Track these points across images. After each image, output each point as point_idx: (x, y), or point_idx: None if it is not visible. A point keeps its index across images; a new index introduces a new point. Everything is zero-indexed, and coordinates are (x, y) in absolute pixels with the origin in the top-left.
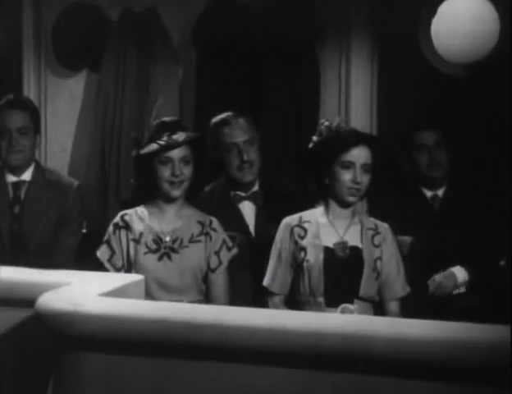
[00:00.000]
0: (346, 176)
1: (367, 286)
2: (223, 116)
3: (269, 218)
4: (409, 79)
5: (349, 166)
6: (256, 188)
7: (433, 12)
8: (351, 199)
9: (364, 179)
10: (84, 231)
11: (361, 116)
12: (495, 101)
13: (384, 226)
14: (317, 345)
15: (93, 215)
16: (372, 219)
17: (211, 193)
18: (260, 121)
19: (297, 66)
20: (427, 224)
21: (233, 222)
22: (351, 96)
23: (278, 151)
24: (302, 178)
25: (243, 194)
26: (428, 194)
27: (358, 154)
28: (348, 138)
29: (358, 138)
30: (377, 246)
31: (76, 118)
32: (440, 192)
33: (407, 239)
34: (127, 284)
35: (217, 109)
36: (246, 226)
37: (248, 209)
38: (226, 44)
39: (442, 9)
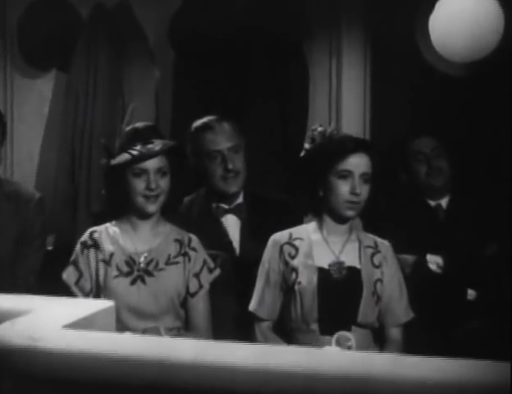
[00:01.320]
0: (343, 188)
1: (366, 312)
2: (205, 120)
3: (255, 234)
4: (405, 80)
5: (346, 175)
6: (240, 200)
7: (431, 8)
8: (349, 213)
9: (364, 190)
10: (50, 248)
11: (353, 121)
12: (497, 102)
13: (384, 244)
14: (313, 389)
15: (61, 229)
16: (370, 236)
17: (190, 205)
18: (244, 126)
19: (284, 66)
20: (430, 238)
21: (215, 238)
22: (342, 99)
23: (263, 158)
24: (291, 188)
25: (226, 206)
26: (432, 203)
27: (357, 162)
28: (345, 144)
29: (356, 144)
30: (377, 266)
31: (45, 123)
32: (443, 202)
33: (409, 258)
34: (95, 313)
35: (198, 113)
36: (230, 243)
37: (231, 223)
38: (206, 43)
39: (441, 4)
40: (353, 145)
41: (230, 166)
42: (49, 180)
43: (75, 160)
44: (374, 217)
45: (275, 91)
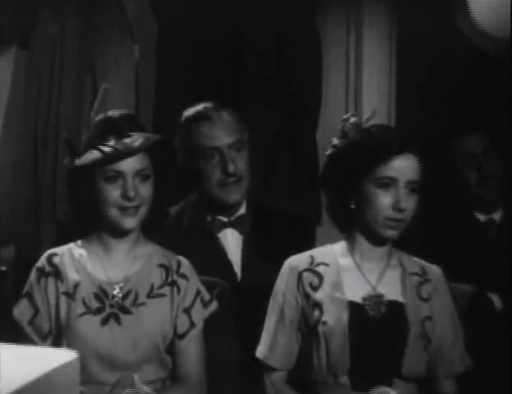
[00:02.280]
0: (384, 200)
1: (412, 360)
2: (200, 108)
3: (262, 254)
4: (441, 61)
5: (388, 184)
6: (243, 211)
7: None
8: (390, 233)
9: (410, 204)
10: (4, 268)
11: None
12: None
13: (434, 271)
14: None
15: (21, 239)
16: (416, 260)
17: (179, 217)
18: (245, 118)
19: (291, 44)
20: (481, 262)
21: (210, 260)
22: (362, 84)
23: (267, 157)
24: (306, 196)
25: (224, 218)
26: (481, 218)
27: (403, 167)
28: (388, 142)
29: (403, 142)
30: (425, 300)
31: (3, 112)
32: (496, 216)
33: (465, 288)
34: (52, 371)
35: (188, 100)
36: (229, 266)
37: (231, 241)
38: (199, 16)
39: None
40: (399, 144)
41: (231, 168)
42: (6, 180)
43: (38, 157)
44: (409, 235)
45: (281, 75)
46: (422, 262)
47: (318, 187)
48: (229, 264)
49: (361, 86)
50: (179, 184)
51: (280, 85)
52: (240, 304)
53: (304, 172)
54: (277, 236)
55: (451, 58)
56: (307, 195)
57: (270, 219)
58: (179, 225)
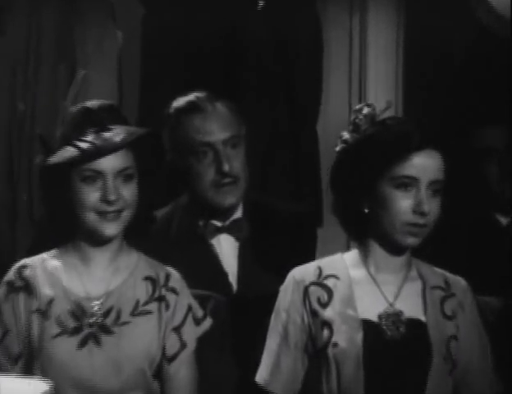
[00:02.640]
0: (403, 202)
1: (436, 385)
2: (191, 97)
3: (261, 262)
4: (452, 52)
5: (408, 184)
6: (238, 214)
7: None
8: (411, 240)
9: (433, 207)
10: None
11: (382, 102)
12: None
13: (459, 283)
14: None
15: None
16: (438, 271)
17: (167, 222)
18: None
19: (288, 27)
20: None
21: (203, 269)
22: (367, 72)
23: (265, 154)
24: (305, 195)
25: (218, 223)
26: (503, 221)
27: (425, 165)
28: (407, 136)
29: (424, 136)
30: (449, 318)
31: None
32: None
33: (493, 302)
34: None
35: (177, 89)
36: (224, 277)
37: (226, 248)
38: None
39: None
40: (419, 138)
41: (226, 167)
42: None
43: (13, 152)
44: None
45: (278, 63)
46: (445, 273)
47: (319, 185)
48: (223, 274)
49: (365, 75)
50: (167, 184)
51: (277, 74)
52: (236, 320)
53: (304, 169)
54: (277, 242)
55: (465, 46)
56: (307, 194)
57: (269, 223)
58: (167, 231)
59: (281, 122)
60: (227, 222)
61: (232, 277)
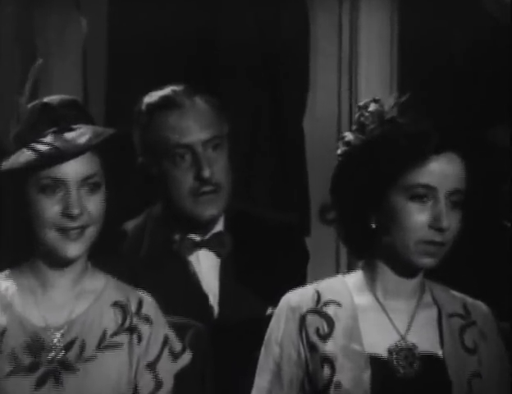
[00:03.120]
0: (419, 216)
1: None
2: (167, 92)
3: (246, 281)
4: (453, 39)
5: (424, 195)
6: (220, 227)
7: None
8: (426, 260)
9: (453, 221)
10: None
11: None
12: None
13: (479, 309)
14: None
15: None
16: (455, 294)
17: (137, 236)
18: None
19: (272, 15)
20: None
21: (180, 292)
22: (359, 62)
23: (246, 155)
24: (291, 201)
25: (197, 237)
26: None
27: (445, 172)
28: (424, 137)
29: (444, 138)
30: (471, 351)
31: None
32: None
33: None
34: None
35: (148, 84)
36: (204, 299)
37: (206, 265)
38: None
39: None
40: (438, 140)
41: (207, 173)
42: None
43: None
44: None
45: (259, 55)
46: (464, 297)
47: (305, 188)
48: (203, 296)
49: (356, 68)
50: (137, 192)
51: (259, 68)
52: (219, 351)
53: (290, 171)
54: (264, 258)
55: (464, 39)
56: (293, 200)
57: (254, 236)
58: (138, 247)
59: (263, 120)
60: (207, 236)
61: (213, 299)
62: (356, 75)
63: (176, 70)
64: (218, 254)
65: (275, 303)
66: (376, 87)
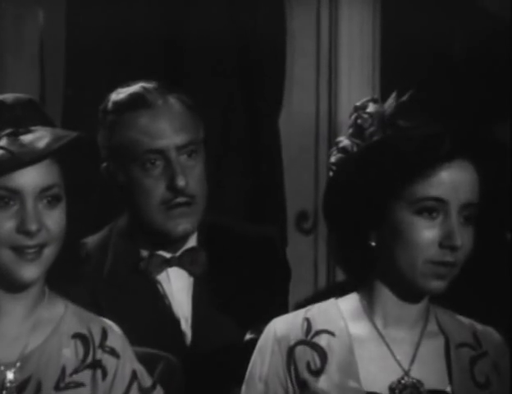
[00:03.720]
0: (427, 233)
1: None
2: (136, 89)
3: (222, 304)
4: (436, 30)
5: (433, 209)
6: (192, 242)
7: None
8: (435, 284)
9: (466, 239)
10: None
11: (356, 96)
12: None
13: (491, 336)
14: None
15: None
16: (463, 320)
17: (100, 253)
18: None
19: (247, 8)
20: None
21: (148, 317)
22: (339, 58)
23: (216, 159)
24: (265, 209)
25: (167, 254)
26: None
27: (457, 182)
28: (434, 142)
29: (456, 143)
30: (482, 386)
31: None
32: None
33: None
34: None
35: (113, 81)
36: (175, 325)
37: (177, 286)
38: None
39: None
40: (450, 145)
41: (181, 182)
42: None
43: None
44: None
45: (230, 48)
46: (472, 323)
47: (281, 193)
48: (174, 321)
49: (336, 60)
50: (100, 202)
51: (230, 61)
52: (193, 387)
53: (263, 173)
54: (242, 276)
55: (450, 27)
56: (267, 207)
57: (230, 252)
58: (100, 266)
59: (235, 118)
60: (178, 253)
61: (185, 325)
62: (336, 71)
63: (142, 66)
64: (191, 273)
65: (254, 326)
66: (357, 85)
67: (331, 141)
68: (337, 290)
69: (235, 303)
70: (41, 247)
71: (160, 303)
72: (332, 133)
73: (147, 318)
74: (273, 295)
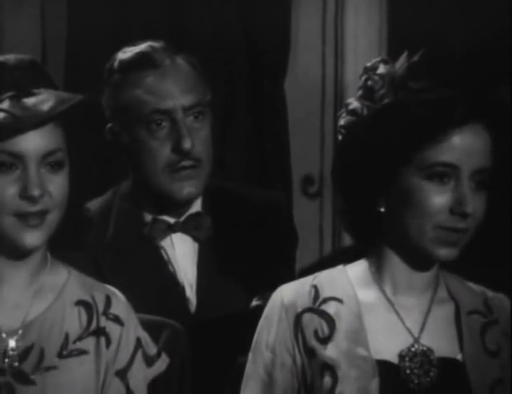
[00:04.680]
0: (438, 199)
1: None
2: (143, 48)
3: (228, 269)
4: None
5: (445, 174)
6: (197, 207)
7: None
8: (445, 252)
9: (478, 205)
10: None
11: (365, 59)
12: None
13: (501, 303)
14: None
15: None
16: (474, 287)
17: (103, 218)
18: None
19: None
20: None
21: (151, 283)
22: (345, 20)
23: (221, 124)
24: (270, 173)
25: (171, 219)
26: None
27: (469, 148)
28: (446, 106)
29: (470, 107)
30: (493, 354)
31: None
32: None
33: None
34: None
35: (116, 41)
36: (180, 291)
37: (182, 252)
38: None
39: None
40: (463, 109)
41: (188, 144)
42: None
43: None
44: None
45: (234, 9)
46: (483, 290)
47: (287, 158)
48: (179, 288)
49: (342, 22)
50: (104, 164)
51: (234, 23)
52: (199, 354)
53: (269, 139)
54: (248, 241)
55: None
56: (272, 170)
57: (236, 216)
58: (103, 231)
59: (239, 82)
60: (182, 218)
61: (190, 291)
62: (342, 34)
63: (145, 24)
64: (195, 239)
65: (260, 293)
66: (363, 47)
67: (337, 105)
68: (343, 256)
69: (241, 269)
70: (44, 213)
71: (164, 269)
72: (339, 96)
73: (151, 285)
74: (280, 261)
